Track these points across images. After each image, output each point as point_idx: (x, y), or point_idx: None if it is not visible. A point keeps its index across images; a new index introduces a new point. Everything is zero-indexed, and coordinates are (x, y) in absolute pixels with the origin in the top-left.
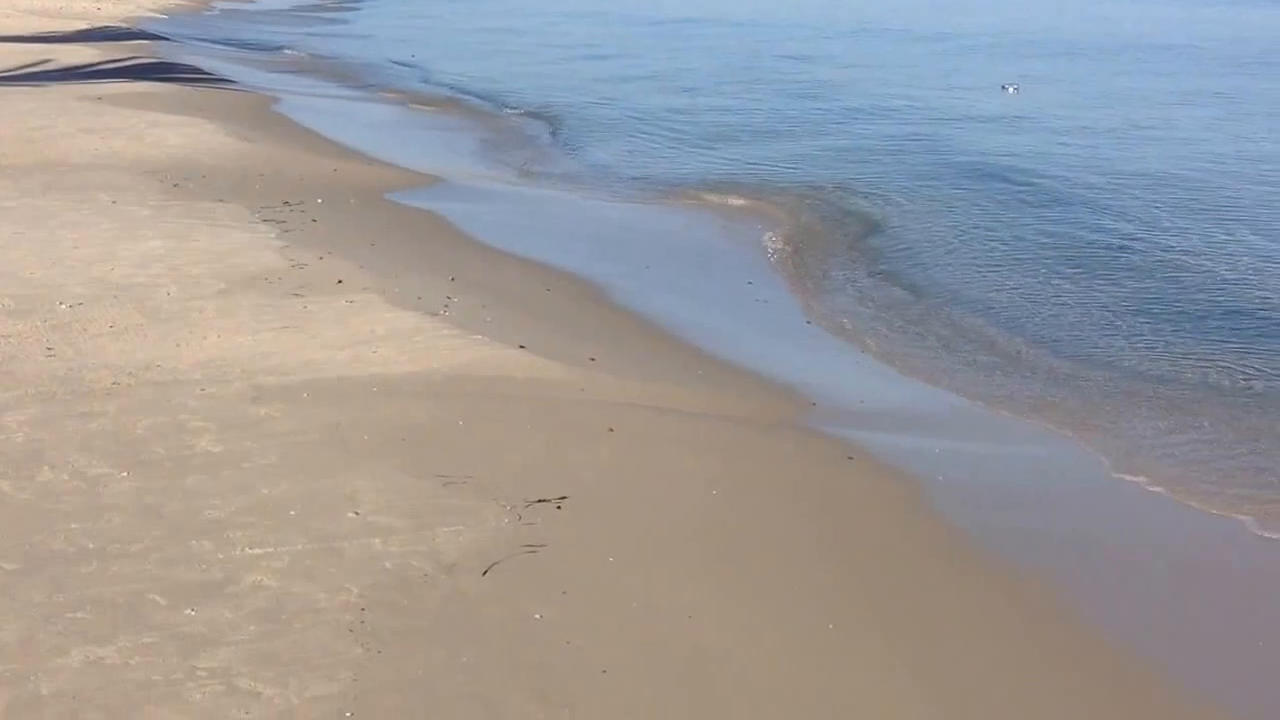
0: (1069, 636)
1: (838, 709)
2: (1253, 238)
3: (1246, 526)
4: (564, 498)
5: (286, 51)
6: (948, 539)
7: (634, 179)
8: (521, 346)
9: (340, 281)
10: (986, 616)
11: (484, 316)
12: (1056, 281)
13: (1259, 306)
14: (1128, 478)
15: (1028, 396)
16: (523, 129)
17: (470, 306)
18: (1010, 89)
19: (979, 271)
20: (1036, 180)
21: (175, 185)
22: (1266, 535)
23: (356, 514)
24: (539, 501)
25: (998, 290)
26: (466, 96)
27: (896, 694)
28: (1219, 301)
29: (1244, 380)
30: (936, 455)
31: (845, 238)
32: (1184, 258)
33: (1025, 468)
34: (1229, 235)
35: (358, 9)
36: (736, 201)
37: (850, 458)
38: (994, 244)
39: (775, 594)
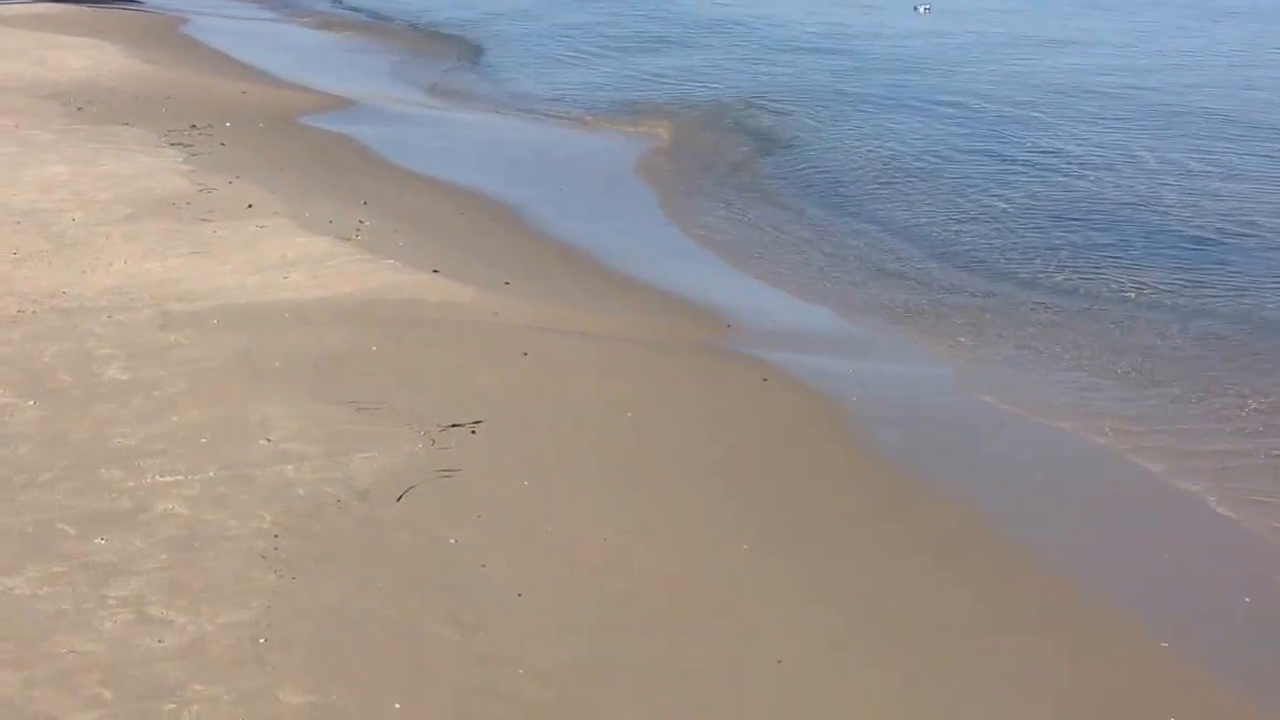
0: (975, 546)
1: (752, 628)
2: (1155, 147)
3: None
4: (478, 422)
5: None
6: (859, 459)
7: (550, 99)
8: (435, 271)
9: (250, 206)
10: (897, 531)
11: (397, 241)
12: (954, 197)
13: (1153, 219)
14: (990, 399)
15: (923, 312)
16: (440, 50)
17: (383, 231)
18: (922, 9)
19: (882, 187)
20: (944, 96)
21: (79, 109)
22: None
23: (268, 441)
24: (453, 426)
25: (905, 206)
26: (381, 18)
27: (810, 611)
28: (1114, 214)
29: (1127, 293)
30: (848, 376)
31: (751, 155)
32: (1083, 169)
33: (923, 387)
34: (1132, 145)
35: None
36: (648, 123)
37: (764, 379)
38: (898, 157)
39: (689, 516)
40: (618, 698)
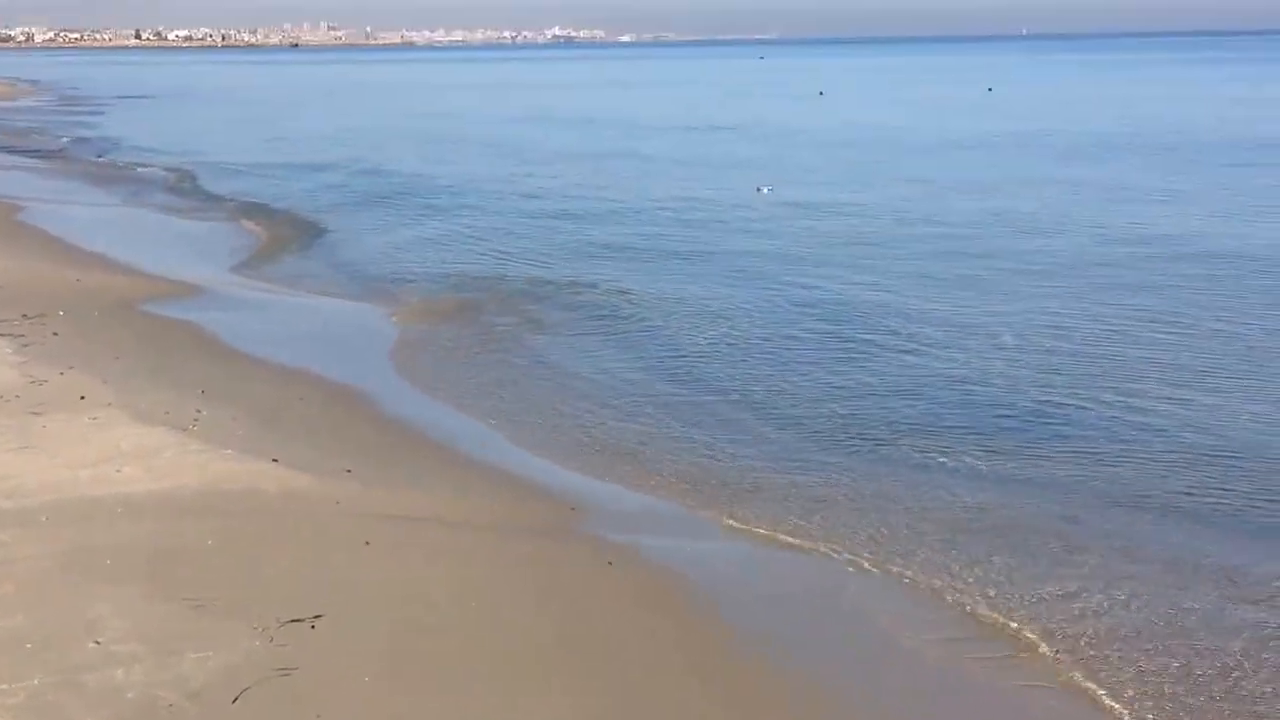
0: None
1: None
2: (1003, 314)
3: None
4: (319, 616)
5: (39, 153)
6: (704, 642)
7: (385, 279)
8: (274, 460)
9: (83, 398)
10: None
11: (235, 430)
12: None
13: (998, 393)
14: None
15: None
16: (286, 233)
17: (220, 420)
18: (764, 190)
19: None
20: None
21: None
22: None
23: (98, 643)
24: (292, 621)
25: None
26: (218, 199)
27: None
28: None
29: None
30: (688, 555)
31: (583, 335)
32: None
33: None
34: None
35: (103, 113)
36: (459, 299)
37: (610, 562)
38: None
39: (533, 709)
40: None
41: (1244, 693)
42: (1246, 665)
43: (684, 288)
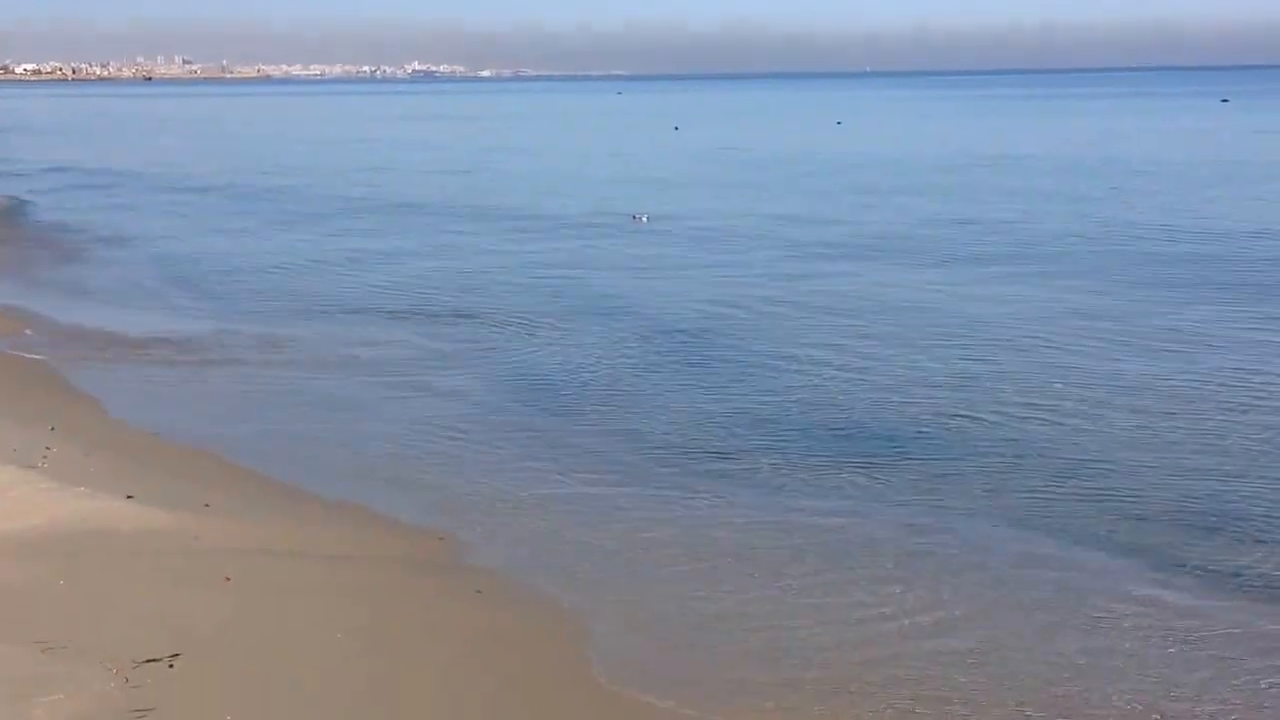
0: None
1: None
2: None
3: None
4: (176, 655)
5: None
6: (571, 667)
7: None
8: (129, 496)
9: None
10: None
11: (87, 466)
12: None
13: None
14: None
15: None
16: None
17: (72, 456)
18: (642, 218)
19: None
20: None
21: None
22: None
23: None
24: (149, 661)
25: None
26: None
27: None
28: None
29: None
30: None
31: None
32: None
33: None
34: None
35: None
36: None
37: (478, 590)
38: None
39: None
40: None
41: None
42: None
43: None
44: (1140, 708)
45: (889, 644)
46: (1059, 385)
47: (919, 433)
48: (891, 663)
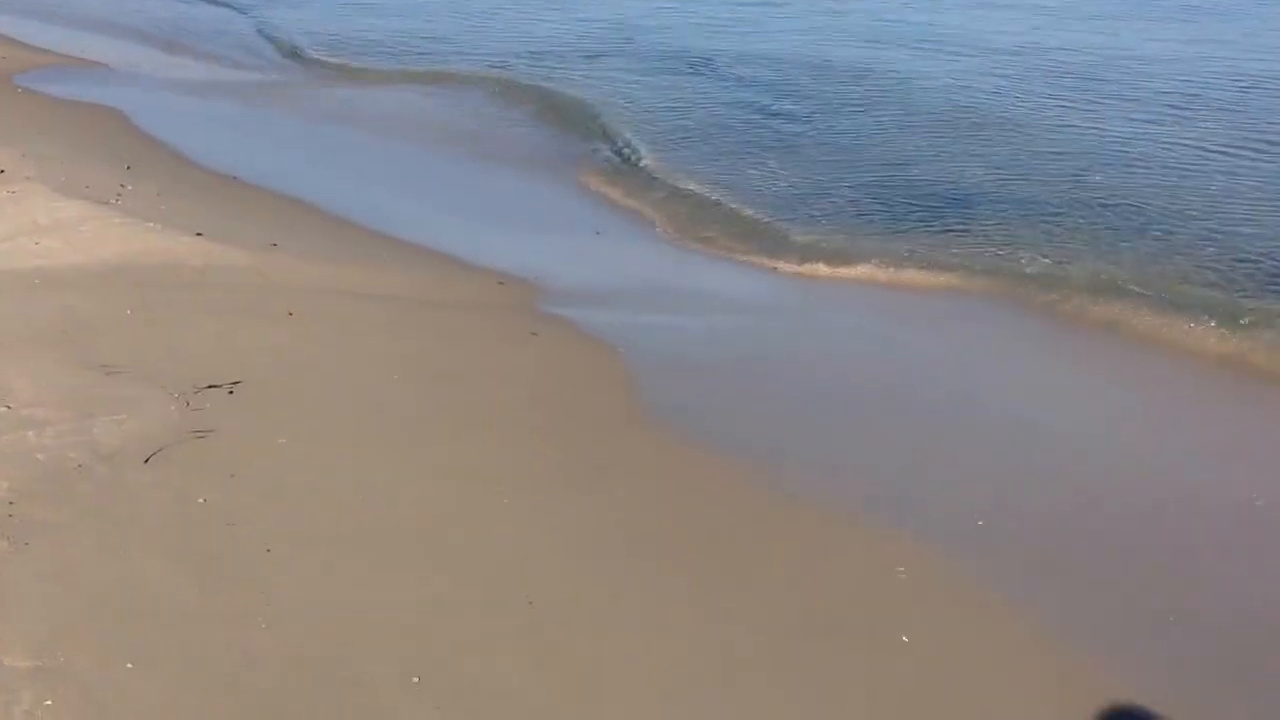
0: (734, 493)
1: (504, 572)
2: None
3: None
4: (237, 382)
5: None
6: (643, 411)
7: (323, 60)
8: (198, 234)
9: (1, 171)
10: (680, 482)
11: (159, 205)
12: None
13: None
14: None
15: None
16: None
17: (146, 195)
18: None
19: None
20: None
21: None
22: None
23: (8, 408)
24: (210, 387)
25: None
26: None
27: (561, 556)
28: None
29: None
30: (638, 327)
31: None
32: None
33: (717, 338)
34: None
35: None
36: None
37: (534, 333)
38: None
39: (448, 471)
40: (367, 643)
41: None
42: None
43: None
44: None
45: None
46: None
47: None
48: None
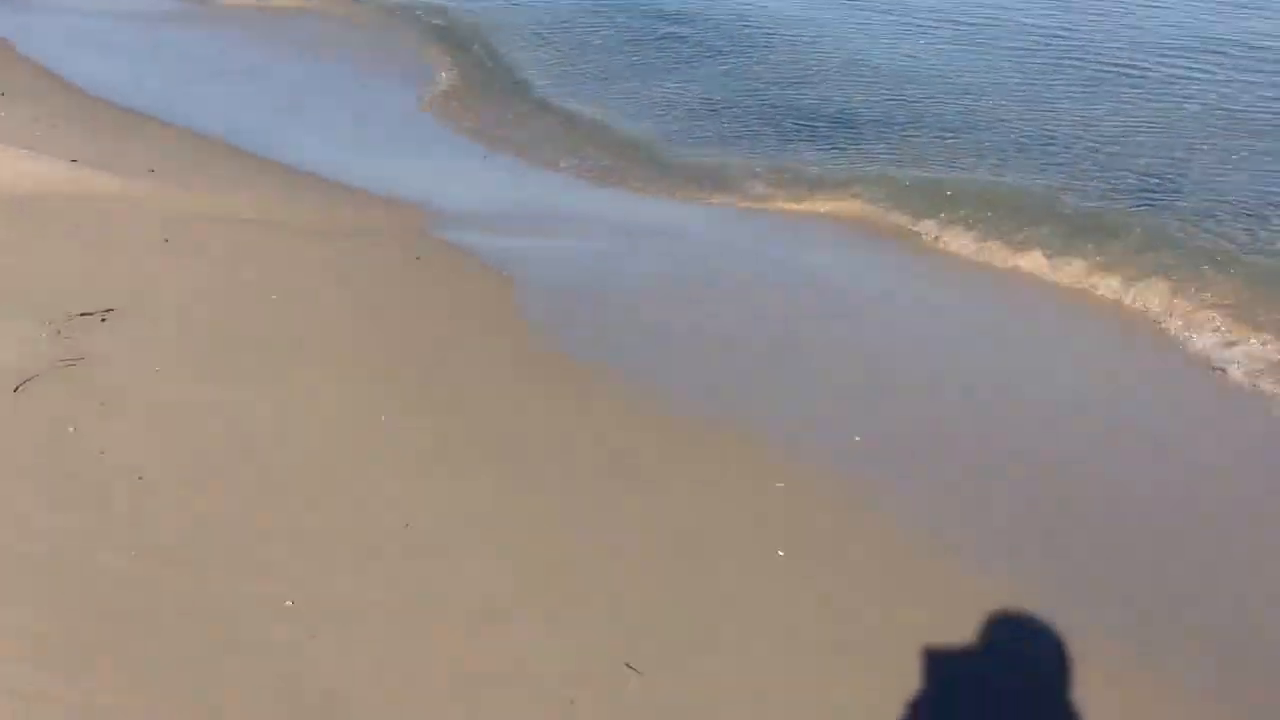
0: (610, 405)
1: (380, 495)
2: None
3: None
4: (110, 310)
5: None
6: (525, 336)
7: None
8: (73, 160)
9: None
10: (529, 393)
11: (34, 131)
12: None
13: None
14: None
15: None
16: None
17: (19, 119)
18: None
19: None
20: None
21: None
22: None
23: None
24: (82, 315)
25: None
26: None
27: (439, 479)
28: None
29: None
30: (508, 252)
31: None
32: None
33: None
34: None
35: None
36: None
37: (418, 257)
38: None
39: (324, 394)
40: (236, 569)
41: None
42: None
43: None
44: None
45: None
46: None
47: None
48: None
